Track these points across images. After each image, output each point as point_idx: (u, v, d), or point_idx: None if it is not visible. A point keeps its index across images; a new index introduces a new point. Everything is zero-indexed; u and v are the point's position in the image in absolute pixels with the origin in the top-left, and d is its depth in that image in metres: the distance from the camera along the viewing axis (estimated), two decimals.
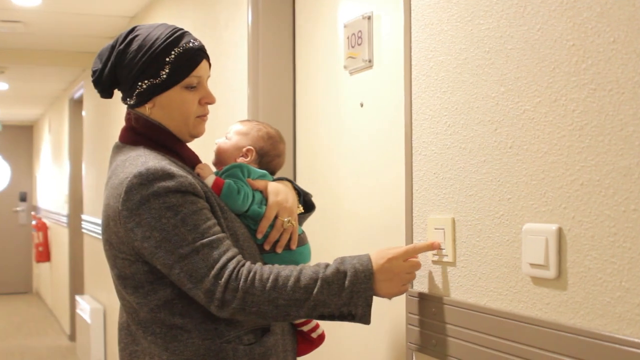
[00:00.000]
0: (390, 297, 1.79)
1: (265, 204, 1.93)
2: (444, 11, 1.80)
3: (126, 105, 1.94)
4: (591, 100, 1.38)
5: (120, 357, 1.92)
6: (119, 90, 1.94)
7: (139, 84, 1.85)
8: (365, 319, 1.74)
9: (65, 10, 5.08)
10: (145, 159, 1.78)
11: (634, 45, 1.29)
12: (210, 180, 1.89)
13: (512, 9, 1.58)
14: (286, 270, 1.74)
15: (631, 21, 1.30)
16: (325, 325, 2.61)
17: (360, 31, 2.45)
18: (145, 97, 1.86)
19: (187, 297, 1.78)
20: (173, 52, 1.84)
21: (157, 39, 1.84)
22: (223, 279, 1.70)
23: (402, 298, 2.16)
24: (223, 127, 2.25)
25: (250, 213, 1.91)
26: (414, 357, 1.95)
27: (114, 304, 5.92)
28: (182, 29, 1.90)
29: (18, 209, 12.93)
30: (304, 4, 2.93)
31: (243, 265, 1.73)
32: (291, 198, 1.98)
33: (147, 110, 1.89)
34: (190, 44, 1.88)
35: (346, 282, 1.72)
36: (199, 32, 3.79)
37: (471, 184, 1.72)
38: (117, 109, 5.94)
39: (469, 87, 1.71)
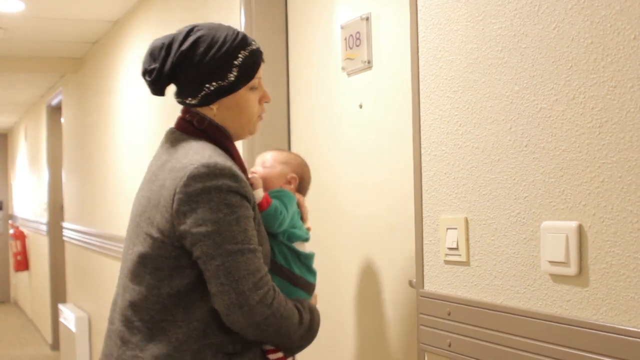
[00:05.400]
0: None
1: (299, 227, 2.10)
2: (453, 11, 1.80)
3: (180, 102, 1.95)
4: (611, 98, 1.39)
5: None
6: (176, 88, 1.94)
7: (207, 86, 1.86)
8: None
9: (48, 16, 5.04)
10: (211, 153, 1.82)
11: None
12: (259, 194, 1.97)
13: (526, 7, 1.58)
14: (293, 305, 1.89)
15: None
16: (333, 326, 2.61)
17: (358, 32, 2.45)
18: (212, 99, 1.89)
19: (196, 293, 1.80)
20: (240, 55, 1.87)
21: (224, 41, 1.86)
22: (262, 290, 1.76)
23: (411, 299, 2.17)
24: None
25: (287, 234, 2.05)
26: (426, 358, 1.95)
27: (99, 312, 5.88)
28: (241, 31, 1.93)
29: None
30: (296, 6, 2.93)
31: (274, 286, 1.82)
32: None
33: (211, 110, 1.91)
34: (254, 46, 1.92)
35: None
36: None
37: (485, 183, 1.73)
38: (97, 115, 5.90)
39: (481, 87, 1.72)
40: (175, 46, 1.87)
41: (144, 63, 1.91)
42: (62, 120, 7.55)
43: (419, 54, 1.94)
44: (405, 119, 2.16)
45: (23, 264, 10.22)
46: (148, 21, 4.52)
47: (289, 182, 2.18)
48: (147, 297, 1.82)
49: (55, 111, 8.22)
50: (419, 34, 1.93)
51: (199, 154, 1.81)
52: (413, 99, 1.96)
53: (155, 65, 1.87)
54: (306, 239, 2.10)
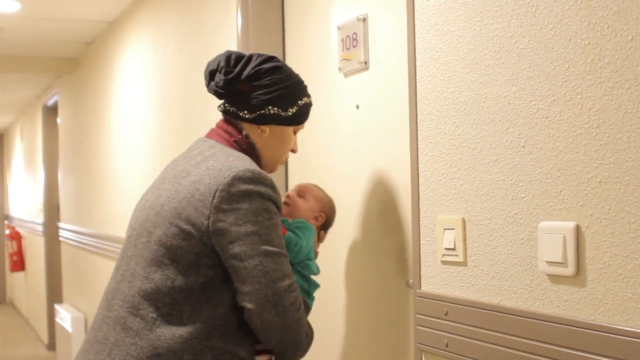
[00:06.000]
0: None
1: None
2: (450, 12, 1.81)
3: (232, 112, 2.03)
4: (608, 99, 1.40)
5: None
6: (234, 97, 2.03)
7: (269, 107, 2.00)
8: None
9: (44, 16, 5.03)
10: (252, 163, 1.92)
11: None
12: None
13: (523, 9, 1.59)
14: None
15: None
16: (330, 326, 2.61)
17: (355, 33, 2.45)
18: (266, 121, 2.02)
19: (206, 295, 1.83)
20: (304, 99, 2.08)
21: (298, 81, 2.07)
22: (294, 294, 1.85)
23: (408, 299, 2.17)
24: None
25: (302, 264, 2.14)
26: (423, 358, 1.95)
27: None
28: None
29: None
30: (293, 7, 2.93)
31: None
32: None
33: (260, 132, 2.04)
34: (311, 100, 2.13)
35: None
36: (184, 36, 3.77)
37: (482, 183, 1.73)
38: (93, 116, 5.90)
39: (478, 87, 1.72)
40: (254, 62, 2.02)
41: (219, 62, 2.03)
42: (58, 120, 7.54)
43: (416, 54, 1.94)
44: (402, 119, 2.17)
45: (19, 264, 10.21)
46: (144, 22, 4.52)
47: (316, 219, 2.28)
48: (159, 289, 1.83)
49: (51, 112, 8.22)
50: (416, 34, 1.94)
51: (241, 160, 1.90)
52: (410, 99, 1.96)
53: (234, 69, 2.00)
54: (316, 274, 2.19)
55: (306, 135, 2.79)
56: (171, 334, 1.81)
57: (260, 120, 2.01)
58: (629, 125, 1.36)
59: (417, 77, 1.94)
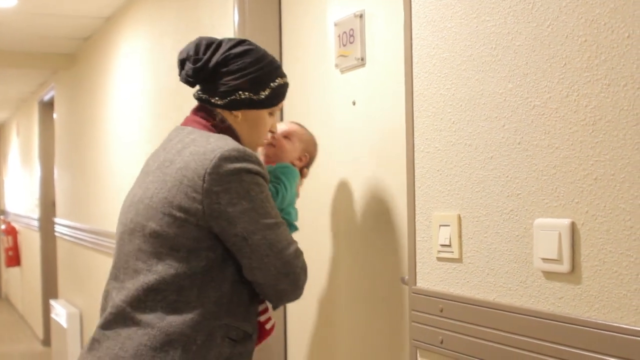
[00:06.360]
0: None
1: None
2: (447, 8, 1.80)
3: (204, 99, 2.04)
4: (605, 96, 1.40)
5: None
6: (205, 85, 2.04)
7: (239, 92, 1.99)
8: None
9: (40, 11, 5.02)
10: (234, 142, 1.93)
11: None
12: None
13: (520, 5, 1.59)
14: None
15: None
16: (325, 322, 2.61)
17: (352, 29, 2.45)
18: (237, 106, 2.02)
19: (209, 275, 1.87)
20: (277, 81, 2.05)
21: (269, 62, 2.04)
22: (302, 257, 1.94)
23: (403, 296, 2.17)
24: None
25: (283, 212, 2.17)
26: (417, 354, 1.95)
27: (90, 308, 5.87)
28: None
29: None
30: (290, 3, 2.93)
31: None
32: None
33: (233, 117, 2.04)
34: (286, 80, 2.11)
35: None
36: (181, 33, 3.77)
37: (478, 180, 1.73)
38: (90, 112, 5.89)
39: (475, 84, 1.72)
40: (223, 48, 2.01)
41: (188, 51, 2.03)
42: (55, 116, 7.53)
43: (413, 51, 1.94)
44: (398, 115, 2.17)
45: (14, 259, 10.20)
46: (140, 18, 4.52)
47: (300, 160, 2.35)
48: (163, 279, 1.86)
49: (47, 107, 8.21)
50: (413, 31, 1.93)
51: (223, 140, 1.92)
52: (406, 96, 1.96)
53: (202, 57, 2.00)
54: (296, 229, 2.24)
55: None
56: (182, 319, 1.84)
57: (232, 106, 2.02)
58: (625, 122, 1.36)
59: (414, 73, 1.93)
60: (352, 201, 2.46)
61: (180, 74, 2.06)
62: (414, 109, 1.94)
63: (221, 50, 2.00)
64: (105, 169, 5.38)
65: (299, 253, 1.93)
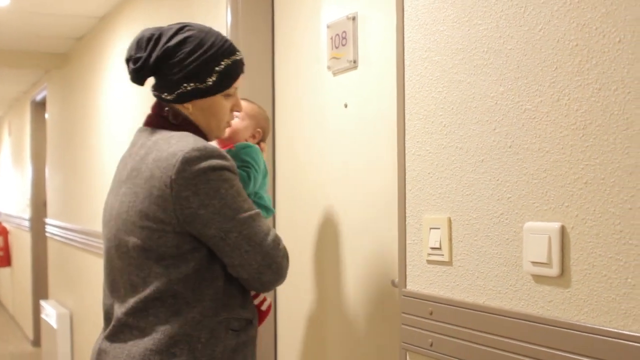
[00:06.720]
0: None
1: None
2: (439, 11, 1.81)
3: (156, 95, 2.00)
4: (595, 100, 1.40)
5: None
6: (155, 81, 1.98)
7: (184, 84, 1.92)
8: None
9: (34, 10, 5.01)
10: (195, 139, 1.88)
11: None
12: None
13: (512, 9, 1.59)
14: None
15: (638, 21, 1.31)
16: (315, 324, 2.61)
17: (344, 32, 2.45)
18: (187, 98, 1.95)
19: (201, 274, 1.87)
20: (223, 63, 1.94)
21: (211, 45, 1.93)
22: (281, 245, 1.92)
23: (393, 299, 2.17)
24: None
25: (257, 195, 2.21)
26: (407, 357, 1.95)
27: (81, 309, 5.86)
28: (229, 39, 1.99)
29: None
30: (283, 4, 2.92)
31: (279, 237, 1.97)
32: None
33: (185, 109, 1.97)
34: (237, 57, 1.99)
35: None
36: None
37: (468, 183, 1.73)
38: (82, 112, 5.87)
39: (466, 87, 1.72)
40: (163, 40, 1.92)
41: (130, 50, 1.96)
42: (47, 116, 7.51)
43: (405, 54, 1.94)
44: (390, 118, 2.17)
45: (5, 259, 10.16)
46: (134, 18, 4.51)
47: (254, 137, 2.35)
48: (158, 288, 1.87)
49: (39, 107, 8.18)
50: (405, 34, 1.94)
51: (183, 141, 1.86)
52: (398, 98, 1.96)
53: (142, 55, 1.92)
54: (272, 212, 2.29)
55: (294, 132, 2.79)
56: (183, 320, 1.86)
57: (182, 99, 1.95)
58: (615, 127, 1.36)
59: (406, 76, 1.94)
60: (342, 203, 2.46)
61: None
62: (406, 111, 1.94)
63: (160, 44, 1.91)
64: (97, 169, 5.37)
65: (277, 241, 1.91)
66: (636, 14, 1.32)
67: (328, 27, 2.53)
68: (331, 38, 2.52)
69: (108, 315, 2.01)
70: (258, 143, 2.34)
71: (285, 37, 2.90)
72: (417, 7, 1.88)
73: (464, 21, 1.73)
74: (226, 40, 1.97)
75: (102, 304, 2.04)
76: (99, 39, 5.39)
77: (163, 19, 3.94)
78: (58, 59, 6.62)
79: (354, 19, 2.40)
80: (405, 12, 1.93)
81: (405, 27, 1.93)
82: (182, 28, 1.94)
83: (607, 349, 1.38)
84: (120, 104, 4.79)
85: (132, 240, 1.88)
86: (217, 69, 1.93)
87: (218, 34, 1.97)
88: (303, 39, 2.75)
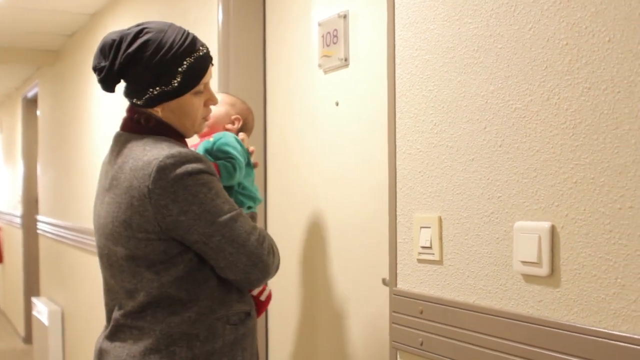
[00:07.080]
0: None
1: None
2: (430, 10, 1.80)
3: (128, 101, 1.98)
4: (585, 99, 1.40)
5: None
6: (124, 85, 1.95)
7: (150, 89, 1.88)
8: None
9: (25, 6, 4.98)
10: (169, 144, 1.86)
11: (630, 44, 1.31)
12: None
13: (502, 8, 1.58)
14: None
15: (627, 21, 1.31)
16: (305, 322, 2.60)
17: (335, 30, 2.44)
18: (155, 102, 1.92)
19: (193, 275, 1.88)
20: (185, 62, 1.88)
21: (170, 47, 1.86)
22: (265, 243, 1.90)
23: (383, 297, 2.17)
24: None
25: (242, 185, 2.18)
26: (398, 356, 1.95)
27: (72, 306, 5.84)
28: (191, 33, 1.93)
29: None
30: (275, 2, 2.92)
31: (265, 232, 1.96)
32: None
33: (157, 112, 1.94)
34: (201, 52, 1.91)
35: None
36: None
37: (459, 182, 1.73)
38: (73, 109, 5.85)
39: (457, 86, 1.72)
40: (123, 46, 1.87)
41: (95, 59, 1.92)
42: (38, 112, 7.49)
43: (395, 52, 1.93)
44: (381, 116, 2.16)
45: None
46: (125, 15, 4.49)
47: (232, 123, 2.33)
48: (151, 293, 1.87)
49: (31, 103, 8.15)
50: (396, 32, 1.93)
51: (157, 147, 1.85)
52: (389, 97, 1.96)
53: (105, 64, 1.88)
54: (260, 202, 2.25)
55: (285, 131, 2.79)
56: (180, 319, 1.87)
57: (151, 104, 1.91)
58: (604, 126, 1.36)
59: (396, 74, 1.93)
60: (333, 202, 2.46)
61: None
62: (396, 110, 1.93)
63: (121, 51, 1.86)
64: (88, 166, 5.35)
65: (261, 239, 1.90)
66: (625, 13, 1.31)
67: (319, 25, 2.53)
68: (322, 36, 2.51)
69: (109, 315, 2.02)
70: (237, 132, 2.30)
71: (276, 35, 2.90)
72: (408, 5, 1.88)
73: (455, 20, 1.72)
74: (187, 37, 1.90)
75: (104, 303, 2.05)
76: (90, 35, 5.37)
77: (154, 16, 3.93)
78: (49, 56, 6.60)
79: (345, 17, 2.39)
80: (396, 10, 1.93)
81: (396, 25, 1.93)
82: (140, 31, 1.88)
83: (596, 348, 1.38)
84: (112, 101, 4.78)
85: (120, 250, 1.88)
86: (180, 69, 1.87)
87: (178, 32, 1.90)
88: (294, 37, 2.74)
